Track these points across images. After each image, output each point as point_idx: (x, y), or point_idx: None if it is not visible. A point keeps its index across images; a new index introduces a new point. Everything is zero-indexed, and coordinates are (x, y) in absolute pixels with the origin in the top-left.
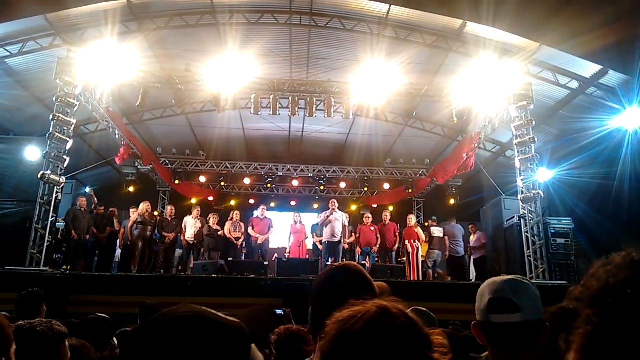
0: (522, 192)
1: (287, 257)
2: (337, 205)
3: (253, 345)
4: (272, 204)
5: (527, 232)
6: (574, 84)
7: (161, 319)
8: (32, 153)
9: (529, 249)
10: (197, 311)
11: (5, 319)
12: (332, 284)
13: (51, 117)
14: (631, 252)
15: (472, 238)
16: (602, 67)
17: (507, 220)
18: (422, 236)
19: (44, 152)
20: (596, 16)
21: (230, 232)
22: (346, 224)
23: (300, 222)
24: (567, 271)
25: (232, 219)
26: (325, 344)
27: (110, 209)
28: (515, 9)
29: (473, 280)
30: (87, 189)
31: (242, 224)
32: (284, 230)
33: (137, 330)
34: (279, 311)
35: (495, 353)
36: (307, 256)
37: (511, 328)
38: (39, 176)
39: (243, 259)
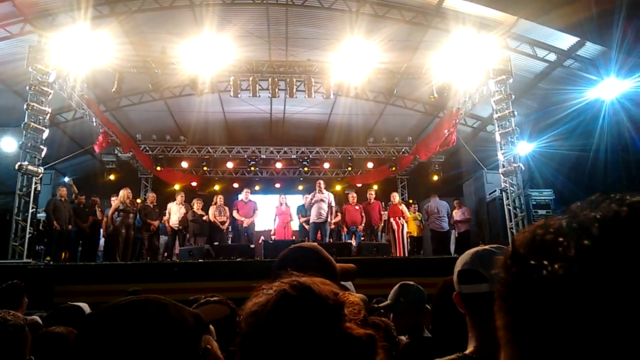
0: (503, 166)
1: (272, 239)
2: (324, 185)
3: (207, 336)
4: (257, 187)
5: (508, 204)
6: (552, 57)
7: (114, 305)
8: (8, 144)
9: (511, 221)
10: (150, 297)
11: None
12: (287, 263)
13: (25, 106)
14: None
15: (456, 212)
16: (579, 38)
17: (489, 194)
18: (407, 213)
19: (20, 142)
20: None
21: (215, 217)
22: (333, 204)
23: (286, 203)
24: None
25: (216, 203)
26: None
27: (92, 198)
28: None
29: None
30: (66, 179)
31: (227, 208)
32: (269, 213)
33: (90, 315)
34: None
35: (471, 320)
36: (294, 237)
37: (479, 298)
38: (17, 167)
39: (229, 242)
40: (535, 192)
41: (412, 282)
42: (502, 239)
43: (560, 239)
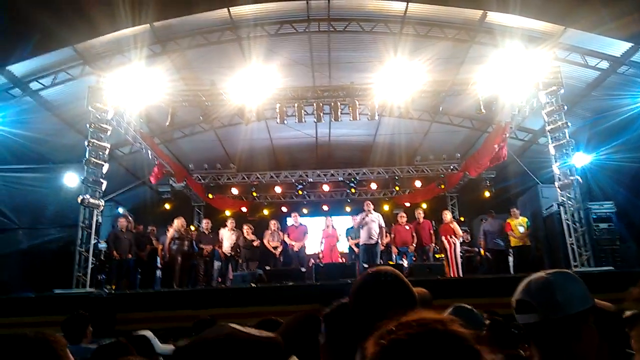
0: (559, 179)
1: (321, 262)
2: (372, 206)
3: (293, 357)
4: (305, 211)
5: (567, 219)
6: (604, 64)
7: (197, 343)
8: (70, 179)
9: (570, 236)
10: (229, 332)
11: (62, 339)
12: (368, 290)
13: (86, 143)
14: None
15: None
16: (633, 44)
17: (546, 209)
18: (459, 231)
19: (82, 177)
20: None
21: (268, 242)
22: (382, 224)
23: (332, 226)
24: (613, 256)
25: (270, 229)
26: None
27: (150, 227)
28: None
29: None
30: (120, 210)
31: (281, 233)
32: (318, 236)
33: (182, 349)
34: None
35: (533, 350)
36: (344, 260)
37: (531, 328)
38: (79, 201)
39: (281, 267)
40: (595, 206)
41: (468, 306)
42: (562, 254)
43: None
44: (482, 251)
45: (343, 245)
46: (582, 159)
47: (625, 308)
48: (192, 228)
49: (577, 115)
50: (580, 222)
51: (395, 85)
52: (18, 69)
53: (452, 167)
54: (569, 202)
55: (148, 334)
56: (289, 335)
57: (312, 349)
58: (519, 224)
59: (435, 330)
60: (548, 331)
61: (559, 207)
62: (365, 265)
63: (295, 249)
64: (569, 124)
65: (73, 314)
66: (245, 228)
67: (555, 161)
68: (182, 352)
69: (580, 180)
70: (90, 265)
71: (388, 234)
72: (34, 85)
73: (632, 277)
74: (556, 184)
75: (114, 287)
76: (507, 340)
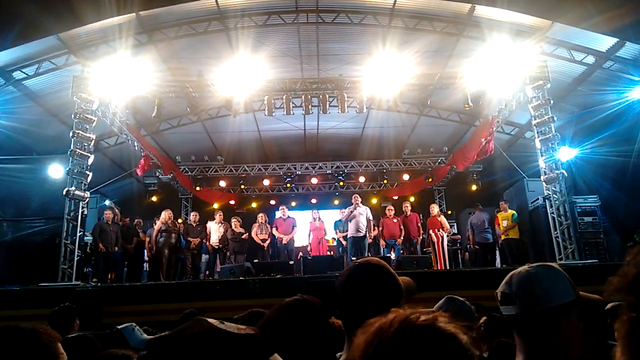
0: (545, 173)
1: (309, 255)
2: (360, 199)
3: (275, 355)
4: (293, 203)
5: (552, 212)
6: (590, 59)
7: (173, 338)
8: (55, 171)
9: (556, 229)
10: (207, 328)
11: (55, 333)
12: (355, 281)
13: (71, 134)
14: None
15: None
16: (618, 39)
17: (532, 202)
18: (446, 225)
19: (67, 168)
20: None
21: (257, 235)
22: (370, 218)
23: (319, 219)
24: (597, 249)
25: (258, 222)
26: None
27: (136, 220)
28: None
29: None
30: (107, 202)
31: (269, 226)
32: (306, 229)
33: (156, 341)
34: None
35: (517, 340)
36: (332, 253)
37: (513, 320)
38: (64, 193)
39: (269, 260)
40: (580, 199)
41: (460, 298)
42: (547, 248)
43: None
44: (471, 245)
45: (331, 237)
46: (567, 153)
47: (607, 299)
48: (180, 220)
49: (563, 109)
50: (565, 215)
51: (383, 78)
52: (1, 57)
53: (439, 160)
54: (554, 195)
55: (130, 325)
56: (273, 327)
57: (301, 337)
58: (504, 217)
59: (423, 327)
60: (528, 323)
61: (544, 201)
62: (354, 258)
63: (284, 241)
64: (555, 118)
65: (60, 307)
66: (234, 221)
67: (541, 155)
68: (156, 344)
69: (566, 174)
70: (76, 258)
71: (376, 227)
72: (18, 75)
73: (616, 269)
74: (542, 177)
75: (96, 280)
76: (503, 332)
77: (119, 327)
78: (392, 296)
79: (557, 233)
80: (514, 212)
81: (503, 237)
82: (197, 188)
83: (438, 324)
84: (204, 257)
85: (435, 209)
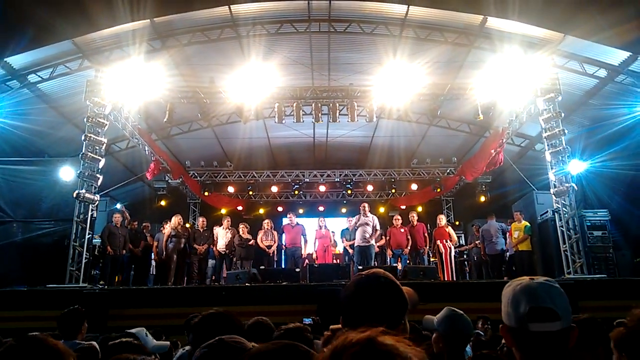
0: (555, 186)
1: (315, 262)
2: (368, 208)
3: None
4: (300, 211)
5: (562, 226)
6: (602, 73)
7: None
8: (66, 173)
9: (564, 243)
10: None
11: (63, 346)
12: (361, 293)
13: (83, 137)
14: None
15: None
16: (631, 53)
17: (540, 215)
18: (454, 236)
19: (78, 171)
20: (629, 7)
21: (262, 241)
22: (377, 227)
23: (325, 226)
24: (606, 264)
25: (264, 228)
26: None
27: (144, 224)
28: (542, 1)
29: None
30: (118, 205)
31: (275, 233)
32: (311, 236)
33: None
34: (307, 320)
35: (515, 352)
36: (337, 261)
37: (549, 337)
38: (74, 195)
39: (275, 266)
40: (589, 213)
41: (460, 311)
42: (556, 261)
43: None
44: (482, 254)
45: (337, 246)
46: (578, 166)
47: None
48: (188, 226)
49: (574, 122)
50: (574, 229)
51: (394, 87)
52: (16, 60)
53: (448, 170)
54: (563, 209)
55: (143, 330)
56: None
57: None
58: (516, 228)
59: (361, 343)
60: (562, 339)
61: (553, 214)
62: (360, 267)
63: (304, 251)
64: (566, 131)
65: (69, 309)
66: (241, 227)
67: (551, 168)
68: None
69: (576, 187)
70: (84, 260)
71: (383, 237)
72: (32, 78)
73: (623, 285)
74: (551, 190)
75: (103, 282)
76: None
77: (132, 330)
78: (397, 309)
79: (565, 247)
80: (527, 223)
81: (519, 247)
82: (206, 193)
83: (377, 339)
84: (211, 262)
85: (442, 219)
